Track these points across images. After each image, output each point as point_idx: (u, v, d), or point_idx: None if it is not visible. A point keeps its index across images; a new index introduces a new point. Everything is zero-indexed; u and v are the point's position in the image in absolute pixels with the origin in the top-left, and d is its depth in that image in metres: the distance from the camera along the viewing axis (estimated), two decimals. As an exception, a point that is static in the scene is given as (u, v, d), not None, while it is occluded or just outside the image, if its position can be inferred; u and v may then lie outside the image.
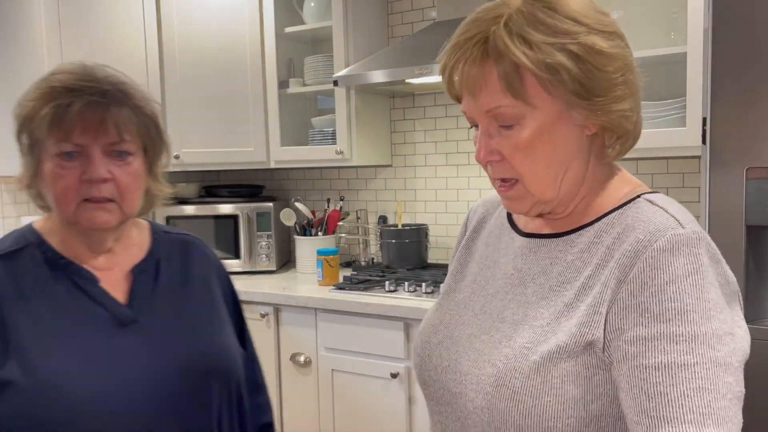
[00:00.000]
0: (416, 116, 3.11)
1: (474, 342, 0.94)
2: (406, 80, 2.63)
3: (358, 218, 3.23)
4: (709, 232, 1.66)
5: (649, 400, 0.76)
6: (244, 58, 3.04)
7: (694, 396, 0.75)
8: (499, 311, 0.95)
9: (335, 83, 2.77)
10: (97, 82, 1.06)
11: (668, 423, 0.75)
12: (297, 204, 3.16)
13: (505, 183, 0.91)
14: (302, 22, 3.04)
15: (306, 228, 3.18)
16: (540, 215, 0.97)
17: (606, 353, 0.82)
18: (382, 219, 3.20)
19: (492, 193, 1.10)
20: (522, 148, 0.87)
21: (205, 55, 3.04)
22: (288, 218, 3.18)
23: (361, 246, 3.18)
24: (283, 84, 3.07)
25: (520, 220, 1.02)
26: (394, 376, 2.43)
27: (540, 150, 0.87)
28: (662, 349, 0.77)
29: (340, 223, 3.17)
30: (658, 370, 0.77)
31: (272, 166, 3.11)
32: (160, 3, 2.99)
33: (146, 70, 2.94)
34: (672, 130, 2.17)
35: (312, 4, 3.00)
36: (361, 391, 2.54)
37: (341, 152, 2.90)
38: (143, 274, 1.17)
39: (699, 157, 2.21)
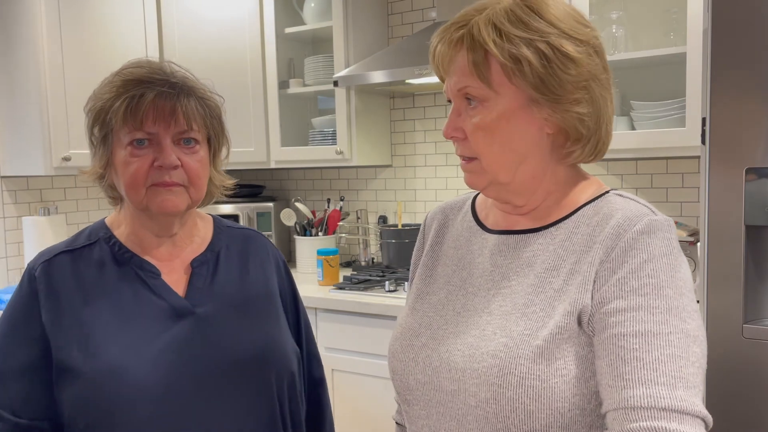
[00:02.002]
0: (416, 116, 3.11)
1: (464, 338, 0.95)
2: (406, 81, 2.64)
3: (358, 218, 3.23)
4: (708, 232, 1.67)
5: (625, 364, 0.82)
6: (244, 58, 3.05)
7: (667, 361, 0.81)
8: (484, 306, 0.97)
9: (335, 83, 2.77)
10: (165, 75, 1.14)
11: (643, 384, 0.80)
12: (297, 204, 3.16)
13: (464, 159, 0.99)
14: (302, 23, 3.04)
15: (306, 228, 3.18)
16: (507, 211, 1.03)
17: (590, 326, 0.88)
18: (382, 219, 3.21)
19: (449, 200, 1.17)
20: (481, 129, 0.94)
21: (206, 56, 3.04)
22: (288, 218, 3.18)
23: (361, 246, 3.18)
24: (283, 84, 3.08)
25: (489, 220, 1.06)
26: (394, 375, 2.43)
27: (498, 134, 0.93)
28: (640, 319, 0.83)
29: (340, 223, 3.17)
30: (636, 338, 0.83)
31: (272, 166, 3.12)
32: (160, 3, 3.00)
33: (146, 70, 2.95)
34: (671, 131, 2.18)
35: (312, 5, 3.00)
36: (361, 391, 2.54)
37: (341, 152, 2.90)
38: (202, 267, 1.21)
39: (698, 157, 2.21)
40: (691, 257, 2.20)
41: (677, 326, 0.83)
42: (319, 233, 3.15)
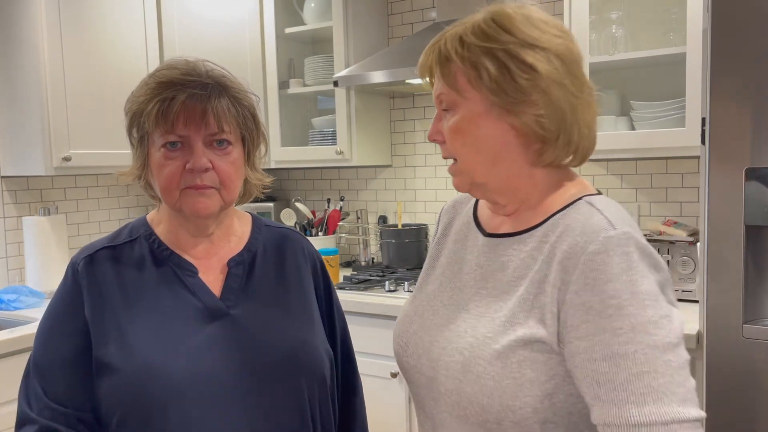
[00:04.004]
0: (416, 116, 3.11)
1: (443, 331, 1.05)
2: (406, 81, 2.64)
3: (358, 218, 3.23)
4: (708, 232, 1.67)
5: (600, 386, 0.90)
6: (244, 58, 3.05)
7: (634, 380, 0.88)
8: (464, 303, 1.06)
9: (335, 84, 2.77)
10: (198, 76, 1.16)
11: (615, 405, 0.88)
12: (297, 204, 3.17)
13: (450, 161, 1.07)
14: (302, 23, 3.05)
15: (306, 228, 3.18)
16: (495, 211, 1.09)
17: (560, 346, 0.94)
18: (382, 219, 3.21)
19: (461, 194, 1.21)
20: (454, 131, 1.02)
21: (206, 56, 3.02)
22: (288, 218, 3.18)
23: (361, 246, 3.18)
24: (283, 84, 3.08)
25: (483, 219, 1.13)
26: (393, 375, 2.43)
27: (468, 136, 1.01)
28: (606, 342, 0.89)
29: (340, 223, 3.18)
30: (605, 361, 0.89)
31: (272, 166, 3.12)
32: (160, 3, 3.00)
33: (147, 70, 2.95)
34: (671, 131, 2.18)
35: (312, 5, 3.01)
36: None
37: (341, 152, 2.91)
38: (238, 267, 1.21)
39: (698, 158, 2.22)
40: (691, 257, 2.20)
41: (642, 342, 0.88)
42: (319, 233, 3.15)
